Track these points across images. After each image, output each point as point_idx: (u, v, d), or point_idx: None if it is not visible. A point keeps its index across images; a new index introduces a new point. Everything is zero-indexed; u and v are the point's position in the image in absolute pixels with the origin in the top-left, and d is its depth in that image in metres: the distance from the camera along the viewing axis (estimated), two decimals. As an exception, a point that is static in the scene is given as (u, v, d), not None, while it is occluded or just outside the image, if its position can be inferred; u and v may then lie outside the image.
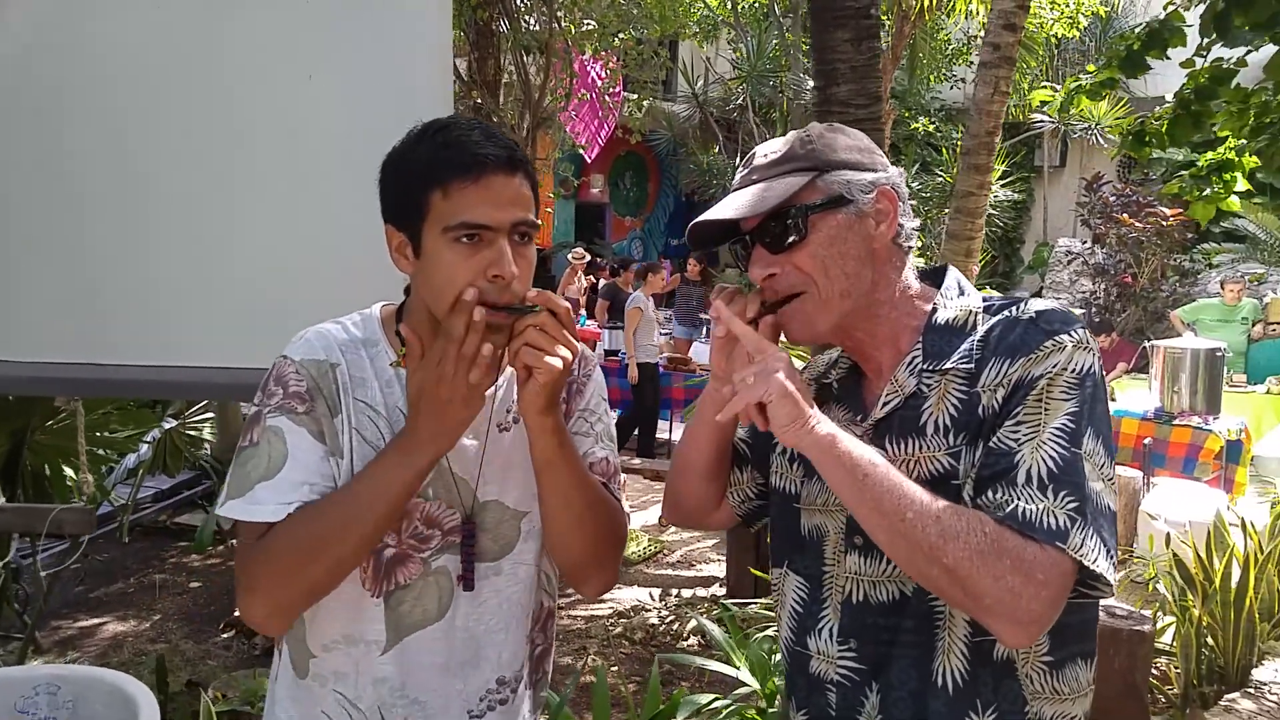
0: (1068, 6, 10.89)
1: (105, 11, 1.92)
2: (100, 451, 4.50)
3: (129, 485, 4.87)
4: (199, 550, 5.37)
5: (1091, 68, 3.62)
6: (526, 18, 8.41)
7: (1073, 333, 1.11)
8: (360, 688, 1.28)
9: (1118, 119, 11.79)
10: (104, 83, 1.93)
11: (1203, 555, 3.95)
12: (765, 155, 1.22)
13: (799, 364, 1.30)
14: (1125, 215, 10.07)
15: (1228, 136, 3.76)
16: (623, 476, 1.47)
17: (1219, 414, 6.33)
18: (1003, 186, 12.26)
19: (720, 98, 15.65)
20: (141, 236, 1.95)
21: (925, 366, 1.18)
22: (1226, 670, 3.90)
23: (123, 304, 1.86)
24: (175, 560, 5.68)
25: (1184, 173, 3.94)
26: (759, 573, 4.15)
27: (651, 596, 5.19)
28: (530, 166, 1.23)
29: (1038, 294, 11.21)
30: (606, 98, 11.10)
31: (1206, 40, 3.22)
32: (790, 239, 1.18)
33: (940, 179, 12.74)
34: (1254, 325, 8.71)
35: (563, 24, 8.23)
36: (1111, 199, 10.56)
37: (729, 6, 13.82)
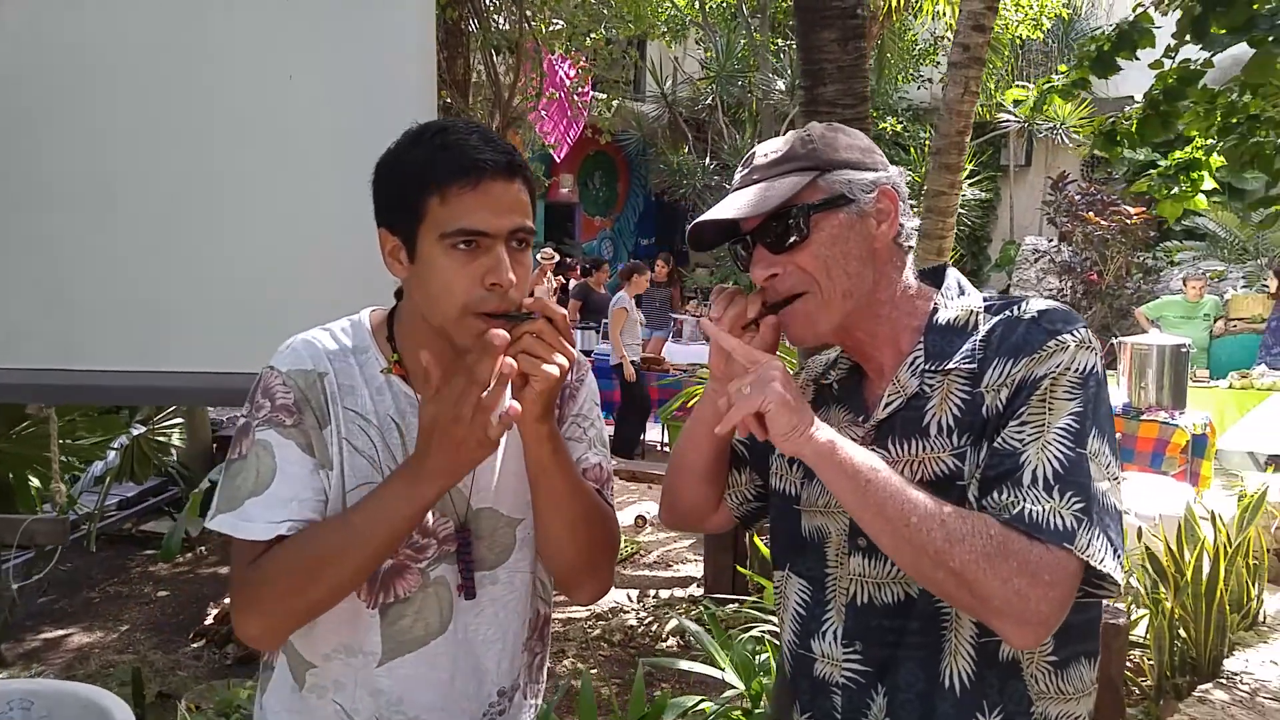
0: (1031, 9, 11.04)
1: (82, 11, 1.87)
2: (63, 459, 4.41)
3: (94, 493, 4.77)
4: (166, 558, 5.27)
5: (1063, 68, 3.66)
6: (495, 17, 8.36)
7: (1075, 332, 1.11)
8: (358, 699, 1.25)
9: (1082, 119, 11.98)
10: (78, 83, 1.88)
11: (1174, 548, 4.01)
12: (765, 155, 1.21)
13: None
14: (1091, 214, 10.22)
15: (1195, 136, 3.81)
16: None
17: (1185, 409, 6.44)
18: (970, 186, 12.40)
19: (689, 98, 15.66)
20: (118, 239, 1.91)
21: (927, 367, 1.18)
22: (1199, 661, 3.97)
23: (99, 308, 1.82)
24: (141, 569, 5.57)
25: (1152, 171, 4.00)
26: (744, 570, 4.15)
27: (629, 598, 5.17)
28: (528, 171, 1.21)
29: (1005, 291, 11.37)
30: (575, 97, 11.07)
31: (1175, 42, 3.26)
32: (792, 239, 1.17)
33: (908, 179, 12.81)
34: (1215, 321, 8.88)
35: (533, 23, 8.19)
36: (1077, 198, 10.71)
37: (697, 6, 13.84)
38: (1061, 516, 1.03)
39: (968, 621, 1.13)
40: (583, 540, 1.28)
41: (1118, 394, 6.64)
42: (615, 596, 5.19)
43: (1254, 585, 4.41)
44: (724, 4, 14.01)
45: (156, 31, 1.89)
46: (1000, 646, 1.13)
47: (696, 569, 5.64)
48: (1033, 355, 1.10)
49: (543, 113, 10.15)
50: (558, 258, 12.50)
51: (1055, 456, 1.05)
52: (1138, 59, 3.43)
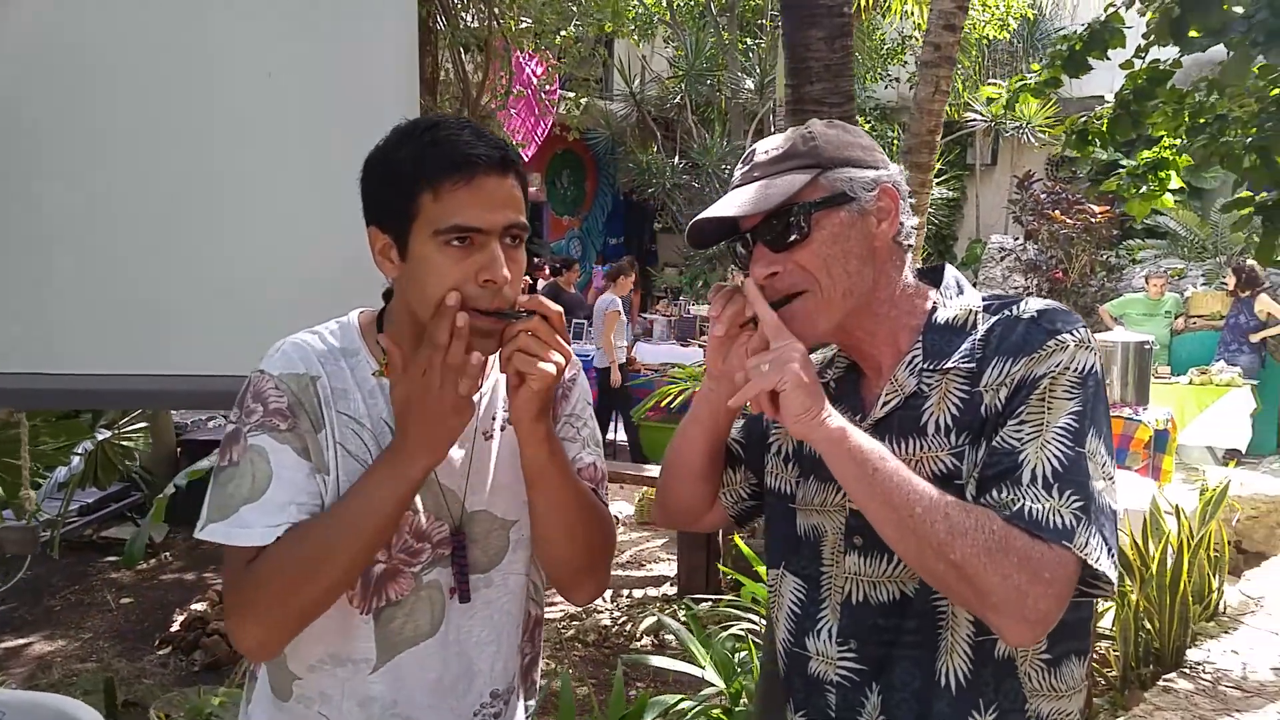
0: (998, 9, 11.18)
1: (64, 10, 1.82)
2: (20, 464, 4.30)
3: (57, 499, 4.66)
4: (129, 565, 5.18)
5: (1036, 66, 3.71)
6: (464, 14, 8.29)
7: (1074, 331, 1.11)
8: (346, 710, 1.22)
9: (1048, 118, 12.14)
10: (54, 81, 1.83)
11: (1139, 542, 4.07)
12: (766, 152, 1.20)
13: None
14: (1056, 212, 10.37)
15: (1163, 136, 3.88)
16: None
17: (1148, 405, 6.54)
18: (937, 185, 12.52)
19: (657, 96, 15.65)
20: (97, 240, 1.86)
21: (925, 366, 1.18)
22: (1162, 652, 4.04)
23: (76, 311, 1.77)
24: (103, 576, 5.47)
25: (1121, 170, 4.06)
26: (725, 568, 4.15)
27: (603, 597, 5.16)
28: (521, 167, 1.19)
29: (971, 290, 11.45)
30: (543, 95, 11.03)
31: (1145, 43, 3.31)
32: (792, 237, 1.16)
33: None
34: (1176, 318, 9.04)
35: (501, 21, 8.14)
36: (1043, 196, 10.86)
37: (664, 5, 13.84)
38: (1061, 515, 1.03)
39: (964, 620, 1.13)
40: (580, 540, 1.27)
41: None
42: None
43: (1215, 577, 4.50)
44: (692, 3, 14.02)
45: (144, 29, 1.84)
46: (996, 645, 1.13)
47: (670, 568, 5.64)
48: (1032, 355, 1.10)
49: (512, 110, 10.10)
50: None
51: (1055, 455, 1.06)
52: (1108, 59, 3.48)
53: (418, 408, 1.10)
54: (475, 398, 1.24)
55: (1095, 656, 3.92)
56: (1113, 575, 1.05)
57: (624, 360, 8.26)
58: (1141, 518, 4.46)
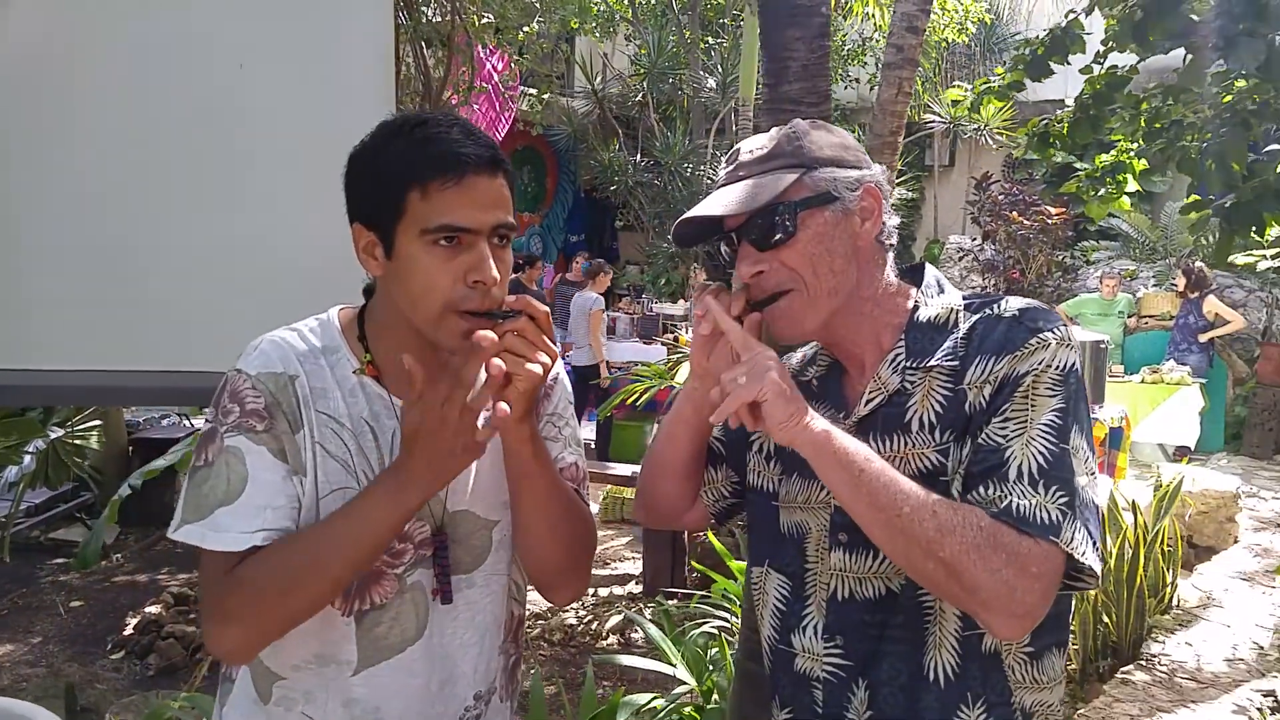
0: (957, 12, 11.33)
1: (44, 8, 1.77)
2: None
3: (6, 500, 4.54)
4: (83, 567, 5.06)
5: (1000, 70, 3.78)
6: (425, 9, 8.21)
7: (1055, 330, 1.13)
8: (329, 710, 1.21)
9: (1005, 121, 12.34)
10: (33, 73, 1.78)
11: (1097, 538, 4.14)
12: (751, 151, 1.20)
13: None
14: (1014, 213, 10.54)
15: (1120, 140, 3.96)
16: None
17: (1103, 403, 6.67)
18: (897, 185, 12.65)
19: (619, 94, 15.63)
20: (69, 235, 1.81)
21: (909, 364, 1.19)
22: (1120, 645, 4.12)
23: (48, 306, 1.72)
24: (52, 579, 5.33)
25: (1080, 173, 4.14)
26: (699, 565, 4.16)
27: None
28: (509, 166, 1.18)
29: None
30: (504, 91, 10.96)
31: (1105, 48, 3.38)
32: (777, 236, 1.16)
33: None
34: (1129, 318, 9.23)
35: (464, 16, 8.07)
36: (1000, 198, 11.03)
37: (626, 2, 13.83)
38: (1047, 510, 1.04)
39: (952, 615, 1.14)
40: (563, 540, 1.27)
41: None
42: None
43: (1169, 572, 4.60)
44: (654, 1, 14.02)
45: (122, 22, 1.80)
46: (983, 639, 1.14)
47: (635, 566, 5.64)
48: (1015, 353, 1.12)
49: (474, 106, 10.03)
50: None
51: (1039, 452, 1.07)
52: (1069, 63, 3.54)
53: (429, 438, 1.07)
54: None
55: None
56: (1097, 568, 1.06)
57: (590, 362, 8.25)
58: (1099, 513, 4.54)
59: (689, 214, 1.19)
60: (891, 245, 1.24)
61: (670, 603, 3.88)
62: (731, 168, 1.21)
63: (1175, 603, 4.70)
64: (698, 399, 1.27)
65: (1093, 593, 4.07)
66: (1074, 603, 1.26)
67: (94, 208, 1.86)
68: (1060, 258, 10.94)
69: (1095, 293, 9.49)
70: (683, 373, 5.76)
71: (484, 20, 8.60)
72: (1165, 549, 4.55)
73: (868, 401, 1.20)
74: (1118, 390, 7.51)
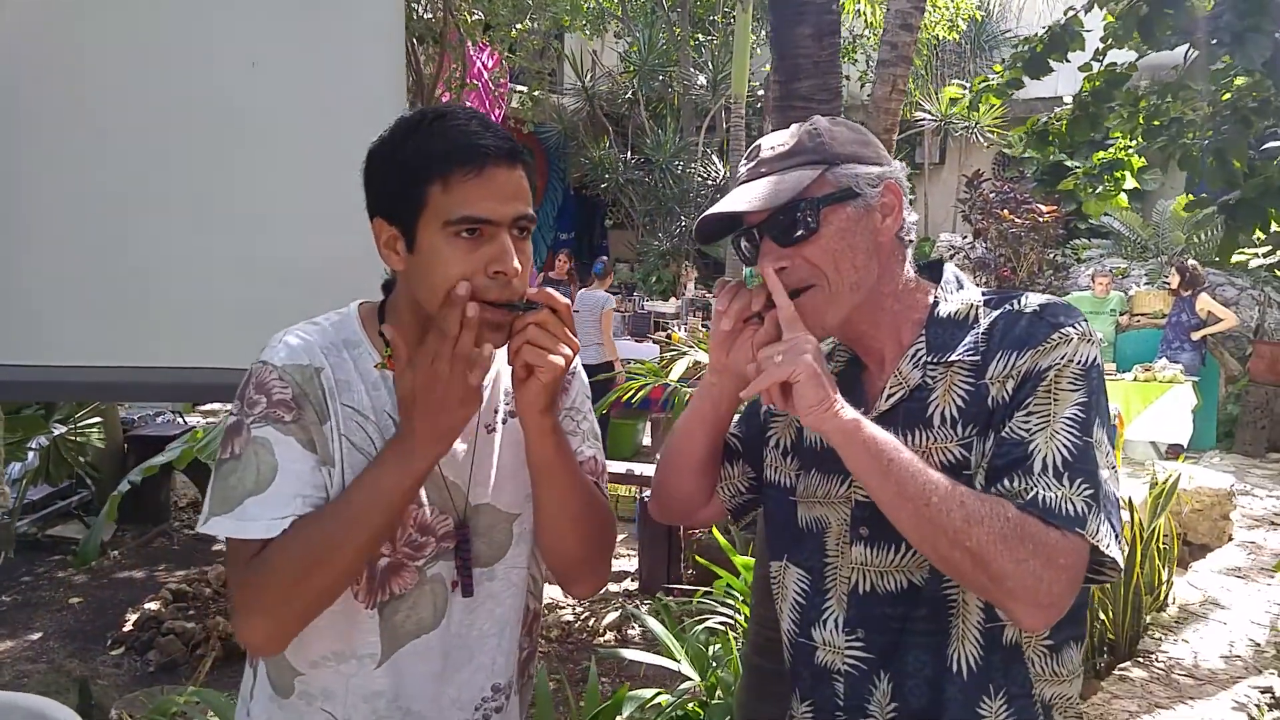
0: (948, 9, 11.36)
1: (53, 4, 1.77)
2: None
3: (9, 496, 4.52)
4: (84, 564, 5.03)
5: (998, 68, 3.79)
6: (416, 5, 8.19)
7: (1076, 325, 1.14)
8: (351, 706, 1.21)
9: (995, 118, 12.38)
10: (39, 73, 1.77)
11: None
12: (772, 148, 1.21)
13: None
14: (1005, 211, 10.57)
15: (1116, 138, 3.98)
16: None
17: (1096, 400, 6.68)
18: (887, 183, 12.63)
19: (609, 91, 15.62)
20: (78, 231, 1.80)
21: (929, 359, 1.20)
22: (1117, 642, 4.15)
23: (57, 302, 1.71)
24: (50, 575, 5.31)
25: (1076, 170, 4.16)
26: (704, 560, 4.16)
27: (564, 593, 5.14)
28: (528, 157, 1.18)
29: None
30: (495, 88, 10.96)
31: (1103, 46, 3.39)
32: (800, 232, 1.17)
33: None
34: (1121, 316, 9.28)
35: (456, 14, 8.06)
36: (991, 195, 11.06)
37: (617, 0, 13.82)
38: (1073, 503, 1.06)
39: (975, 607, 1.15)
40: (584, 533, 1.28)
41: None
42: (550, 592, 5.16)
43: (1164, 569, 4.63)
44: (645, -2, 14.02)
45: (133, 21, 1.79)
46: (1004, 631, 1.15)
47: (630, 564, 5.64)
48: (1037, 347, 1.13)
49: (466, 103, 10.03)
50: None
51: (1064, 445, 1.08)
52: (1068, 61, 3.56)
53: (424, 398, 1.09)
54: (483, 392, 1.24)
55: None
56: (1120, 560, 1.08)
57: (597, 360, 8.28)
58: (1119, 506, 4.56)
59: (713, 210, 1.20)
60: (911, 241, 1.25)
61: (668, 599, 3.89)
62: (753, 164, 1.22)
63: (1171, 600, 4.73)
64: (716, 394, 1.28)
65: (1091, 589, 4.09)
66: (1090, 594, 1.27)
67: (103, 205, 1.85)
68: (1052, 255, 10.99)
69: (1087, 291, 9.54)
70: (677, 370, 5.77)
71: (474, 17, 8.60)
72: (1161, 547, 4.59)
73: (888, 396, 1.21)
74: (1110, 388, 7.44)
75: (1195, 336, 8.48)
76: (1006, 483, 1.09)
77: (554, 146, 16.74)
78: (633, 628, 4.68)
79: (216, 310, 1.77)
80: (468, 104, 10.47)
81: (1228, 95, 3.30)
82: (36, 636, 4.49)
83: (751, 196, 1.17)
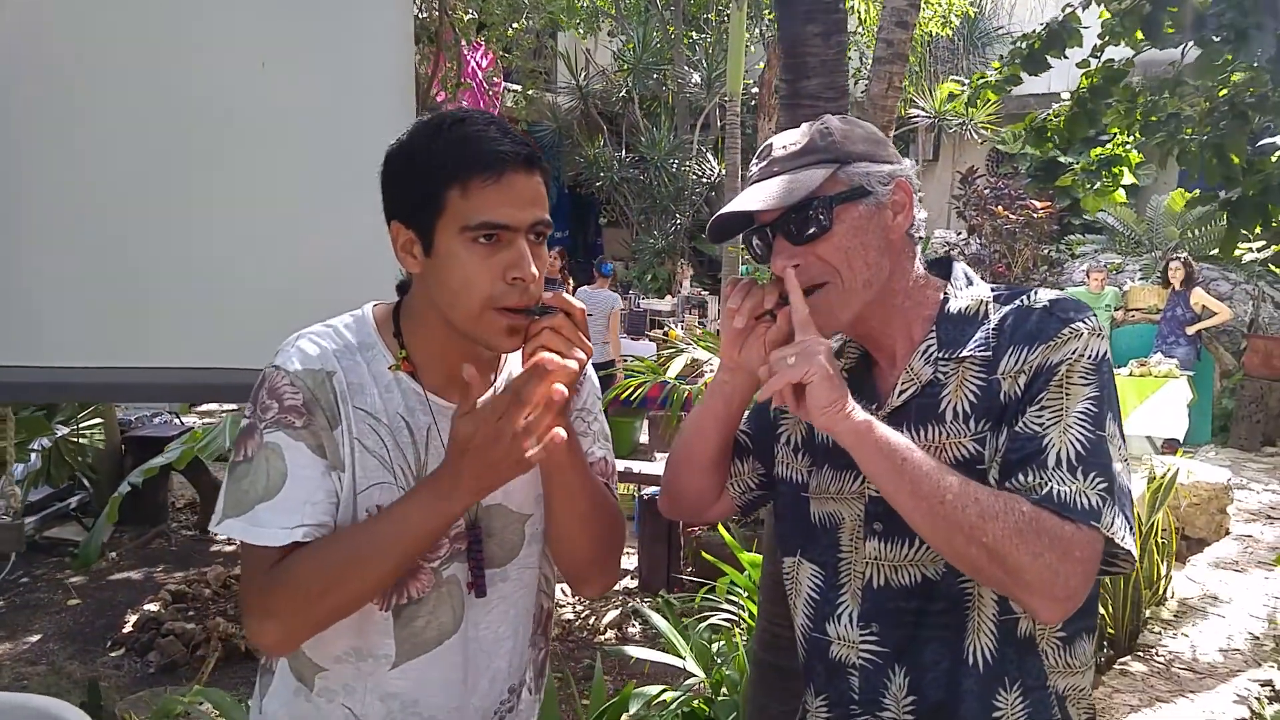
0: (940, 6, 11.39)
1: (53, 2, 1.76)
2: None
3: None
4: (85, 565, 5.03)
5: (996, 64, 3.81)
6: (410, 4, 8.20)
7: (1086, 320, 1.15)
8: (368, 704, 1.22)
9: (989, 115, 12.42)
10: (40, 72, 1.77)
11: (1093, 529, 4.18)
12: (785, 147, 1.22)
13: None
14: (999, 207, 10.60)
15: (1114, 134, 3.99)
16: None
17: (1092, 395, 6.70)
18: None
19: (603, 90, 15.62)
20: (82, 232, 1.80)
21: (941, 355, 1.20)
22: (1116, 636, 4.17)
23: (61, 303, 1.71)
24: (49, 577, 5.30)
25: (1075, 167, 4.17)
26: (709, 556, 4.17)
27: (564, 592, 5.15)
28: (545, 163, 1.19)
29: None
30: (489, 87, 10.96)
31: (1101, 42, 3.40)
32: (812, 230, 1.18)
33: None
34: (1116, 311, 9.31)
35: (452, 14, 8.07)
36: (986, 192, 11.09)
37: (611, -1, 13.82)
38: (1087, 496, 1.06)
39: (990, 600, 1.16)
40: (595, 533, 1.28)
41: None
42: (551, 590, 5.15)
43: (1163, 564, 4.65)
44: (638, -4, 14.02)
45: (134, 19, 1.78)
46: (1019, 624, 1.16)
47: (629, 562, 5.66)
48: (1048, 342, 1.13)
49: (462, 102, 10.03)
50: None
51: (1077, 439, 1.09)
52: (1066, 57, 3.58)
53: (479, 451, 1.07)
54: (489, 391, 1.25)
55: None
56: (1135, 552, 1.08)
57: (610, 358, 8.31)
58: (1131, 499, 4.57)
59: (727, 208, 1.21)
60: (921, 238, 1.26)
61: (670, 596, 3.90)
62: (765, 163, 1.22)
63: (1170, 594, 4.75)
64: (728, 392, 1.29)
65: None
66: (1100, 586, 1.28)
67: (103, 205, 1.84)
68: (1046, 251, 11.02)
69: (1082, 286, 9.56)
70: (675, 368, 5.77)
71: (469, 17, 8.60)
72: (1160, 541, 4.60)
73: (900, 392, 1.21)
74: (1106, 383, 7.55)
75: (1190, 331, 8.51)
76: (1021, 477, 1.09)
77: (548, 145, 16.72)
78: (633, 625, 4.69)
79: (217, 311, 1.77)
80: (463, 103, 10.47)
81: (1224, 91, 3.32)
82: (36, 638, 4.48)
83: (764, 195, 1.18)
